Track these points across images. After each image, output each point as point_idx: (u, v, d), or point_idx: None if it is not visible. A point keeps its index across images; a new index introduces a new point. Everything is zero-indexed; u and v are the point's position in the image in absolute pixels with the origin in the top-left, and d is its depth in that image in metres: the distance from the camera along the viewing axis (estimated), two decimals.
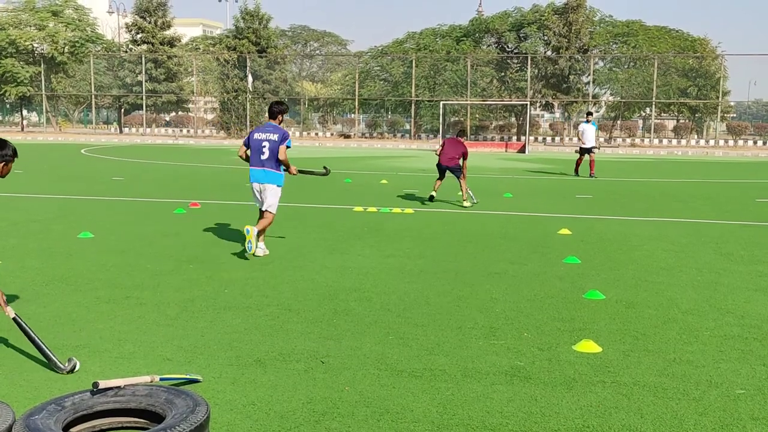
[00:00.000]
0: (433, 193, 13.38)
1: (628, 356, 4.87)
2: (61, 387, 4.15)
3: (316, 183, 17.08)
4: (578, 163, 20.39)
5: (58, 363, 4.41)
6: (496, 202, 13.74)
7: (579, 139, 20.53)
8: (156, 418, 3.51)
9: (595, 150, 20.35)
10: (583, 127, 20.50)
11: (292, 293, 6.41)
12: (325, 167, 9.17)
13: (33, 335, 4.54)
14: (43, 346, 4.48)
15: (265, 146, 7.93)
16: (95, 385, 3.54)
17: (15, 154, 4.71)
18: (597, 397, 4.14)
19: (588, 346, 4.99)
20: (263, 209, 8.09)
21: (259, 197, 8.12)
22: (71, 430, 3.45)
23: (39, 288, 6.46)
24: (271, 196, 8.02)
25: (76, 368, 4.41)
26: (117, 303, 6.01)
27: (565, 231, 10.01)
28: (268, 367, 4.56)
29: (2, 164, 4.64)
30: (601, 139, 50.85)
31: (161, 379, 3.92)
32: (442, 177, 13.41)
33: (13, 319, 4.61)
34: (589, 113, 21.65)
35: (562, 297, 6.42)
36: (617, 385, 4.33)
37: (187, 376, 4.24)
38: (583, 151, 20.17)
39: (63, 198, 13.28)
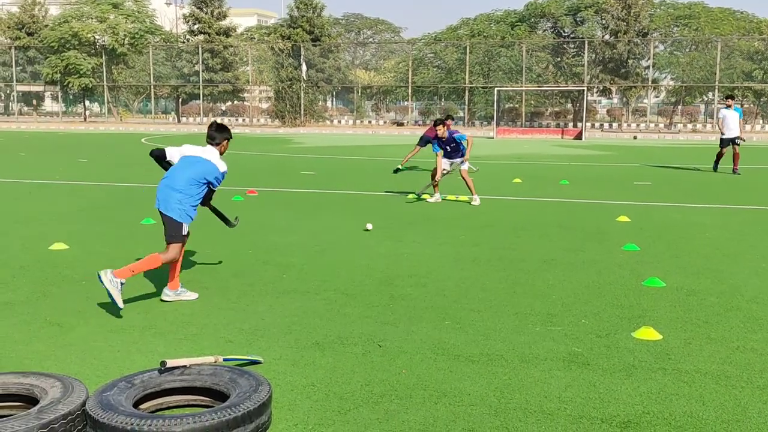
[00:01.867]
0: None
1: (690, 344, 4.80)
2: (129, 366, 4.32)
3: (370, 171, 17.17)
4: (719, 156, 17.32)
5: (231, 221, 6.12)
6: (553, 189, 13.59)
7: (719, 128, 17.42)
8: (220, 396, 3.62)
9: (740, 141, 17.03)
10: (723, 113, 17.25)
11: (349, 278, 6.49)
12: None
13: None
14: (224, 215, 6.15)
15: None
16: (163, 363, 3.67)
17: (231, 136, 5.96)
18: (657, 384, 4.10)
19: (648, 333, 4.93)
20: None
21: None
22: (140, 406, 3.59)
23: None
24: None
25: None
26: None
27: (623, 218, 9.85)
28: (327, 350, 4.64)
29: (226, 141, 5.84)
30: (661, 125, 49.81)
31: (225, 360, 4.04)
32: None
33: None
34: (730, 96, 17.91)
35: (620, 284, 6.34)
36: (678, 373, 4.28)
37: (249, 358, 4.36)
38: (725, 143, 17.03)
39: (125, 185, 13.67)
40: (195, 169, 5.55)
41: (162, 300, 5.67)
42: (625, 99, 50.65)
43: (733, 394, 3.98)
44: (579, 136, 35.33)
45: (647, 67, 45.64)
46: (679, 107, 51.37)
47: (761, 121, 47.87)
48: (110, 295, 5.16)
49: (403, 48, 55.57)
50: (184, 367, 3.75)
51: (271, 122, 48.90)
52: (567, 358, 4.52)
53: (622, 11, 43.65)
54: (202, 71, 48.47)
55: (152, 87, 51.27)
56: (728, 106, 17.26)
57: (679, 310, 5.59)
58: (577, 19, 46.60)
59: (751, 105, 49.60)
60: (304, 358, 4.51)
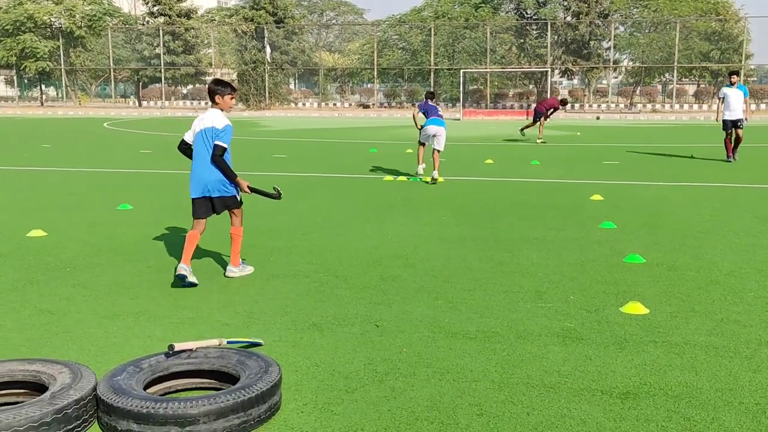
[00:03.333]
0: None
1: (676, 317, 4.95)
2: (128, 351, 4.30)
3: (342, 153, 17.18)
4: (727, 142, 14.99)
5: (271, 193, 6.06)
6: (525, 169, 13.76)
7: (718, 109, 15.35)
8: (229, 379, 3.64)
9: (743, 124, 14.79)
10: (725, 91, 15.01)
11: (337, 260, 6.52)
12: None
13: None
14: (263, 191, 6.00)
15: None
16: (171, 347, 3.68)
17: (232, 89, 5.80)
18: (650, 356, 4.23)
19: (635, 308, 5.07)
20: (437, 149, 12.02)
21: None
22: (148, 390, 3.59)
23: (89, 258, 6.62)
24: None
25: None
26: (167, 272, 6.14)
27: (597, 197, 10.04)
28: (325, 331, 4.68)
29: (231, 97, 5.70)
30: (621, 105, 50.52)
31: (228, 342, 4.05)
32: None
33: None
34: (734, 73, 15.42)
35: (603, 261, 6.49)
36: (669, 345, 4.42)
37: (250, 340, 4.38)
38: (727, 125, 14.85)
39: (95, 171, 13.46)
40: (210, 143, 5.61)
41: (227, 276, 5.90)
42: (586, 80, 51.24)
43: (723, 364, 4.13)
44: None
45: (608, 49, 46.21)
46: (639, 88, 52.15)
47: (717, 101, 48.80)
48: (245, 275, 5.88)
49: (367, 30, 55.34)
50: (191, 350, 3.76)
51: (235, 105, 48.37)
52: (561, 333, 4.64)
53: None
54: (164, 54, 47.65)
55: (112, 70, 50.26)
56: (731, 84, 15.05)
57: (662, 284, 5.76)
58: (540, 0, 46.87)
59: (707, 85, 50.65)
60: (303, 339, 4.54)
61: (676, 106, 45.49)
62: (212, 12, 61.43)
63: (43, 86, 54.96)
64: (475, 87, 49.40)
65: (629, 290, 5.59)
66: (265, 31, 45.43)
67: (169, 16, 48.56)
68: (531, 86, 50.16)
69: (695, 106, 46.28)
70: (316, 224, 8.23)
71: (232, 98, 5.78)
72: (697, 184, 11.63)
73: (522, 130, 20.88)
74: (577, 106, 48.42)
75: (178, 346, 3.70)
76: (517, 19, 47.60)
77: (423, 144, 12.35)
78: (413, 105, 49.37)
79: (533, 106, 44.49)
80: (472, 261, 6.50)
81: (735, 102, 14.76)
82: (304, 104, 51.26)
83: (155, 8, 49.30)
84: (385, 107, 48.78)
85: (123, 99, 60.49)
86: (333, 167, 14.00)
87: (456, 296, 5.43)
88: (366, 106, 47.93)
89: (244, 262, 6.03)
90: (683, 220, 8.50)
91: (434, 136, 11.90)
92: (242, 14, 48.12)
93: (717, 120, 15.43)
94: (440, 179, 11.71)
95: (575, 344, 4.44)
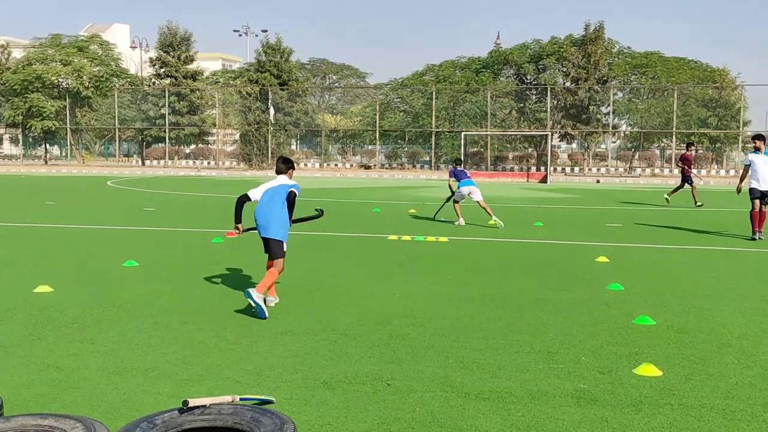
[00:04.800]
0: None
1: (690, 380, 4.91)
2: (138, 408, 4.25)
3: (346, 212, 17.26)
4: (754, 216, 12.61)
5: (313, 215, 7.74)
6: (529, 230, 13.81)
7: (741, 178, 13.26)
8: None
9: None
10: (751, 158, 12.78)
11: (345, 318, 6.50)
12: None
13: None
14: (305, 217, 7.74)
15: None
16: (185, 403, 3.64)
17: (294, 166, 7.47)
18: (667, 419, 4.18)
19: (649, 370, 5.03)
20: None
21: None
22: None
23: (96, 314, 6.59)
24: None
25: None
26: (175, 328, 6.12)
27: (602, 259, 10.04)
28: (336, 390, 4.63)
29: (291, 170, 7.28)
30: (621, 169, 51.04)
31: (241, 399, 4.01)
32: None
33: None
34: (760, 137, 12.95)
35: (612, 322, 6.46)
36: (685, 408, 4.37)
37: (262, 397, 4.33)
38: (755, 194, 12.54)
39: (100, 228, 13.50)
40: (280, 194, 6.97)
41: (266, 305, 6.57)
42: (585, 144, 51.83)
43: (741, 427, 4.08)
44: (544, 180, 35.98)
45: (607, 114, 46.91)
46: (637, 152, 52.74)
47: (716, 166, 49.38)
48: (258, 307, 6.35)
49: (370, 93, 56.27)
50: (204, 406, 3.72)
51: (237, 165, 48.81)
52: (575, 394, 4.59)
53: (582, 59, 45.01)
54: (169, 114, 48.33)
55: (117, 130, 50.88)
56: (756, 149, 12.80)
57: (673, 347, 5.72)
58: (539, 66, 47.81)
59: (705, 150, 51.23)
60: (314, 397, 4.50)
61: (676, 171, 45.86)
62: (217, 74, 62.54)
63: (47, 145, 55.55)
64: (476, 149, 49.94)
65: (641, 352, 5.56)
66: (269, 93, 46.20)
67: (176, 78, 49.43)
68: (530, 149, 50.72)
69: (694, 171, 46.61)
70: (324, 282, 8.22)
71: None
72: (701, 248, 11.66)
73: (669, 194, 21.84)
74: (576, 169, 48.88)
75: (192, 402, 3.67)
76: (517, 84, 48.46)
77: (457, 202, 14.96)
78: (422, 167, 49.94)
79: (532, 169, 45.12)
80: (481, 321, 6.47)
81: (764, 171, 12.56)
82: (306, 164, 51.72)
83: (162, 70, 50.22)
84: (386, 168, 49.21)
85: (126, 158, 61.05)
86: (337, 226, 14.05)
87: (467, 356, 5.40)
88: (367, 167, 48.36)
89: (269, 298, 6.92)
90: (690, 282, 8.49)
91: (470, 194, 14.52)
92: (247, 76, 49.00)
93: (738, 190, 13.41)
94: (497, 222, 14.13)
95: (590, 405, 4.39)
